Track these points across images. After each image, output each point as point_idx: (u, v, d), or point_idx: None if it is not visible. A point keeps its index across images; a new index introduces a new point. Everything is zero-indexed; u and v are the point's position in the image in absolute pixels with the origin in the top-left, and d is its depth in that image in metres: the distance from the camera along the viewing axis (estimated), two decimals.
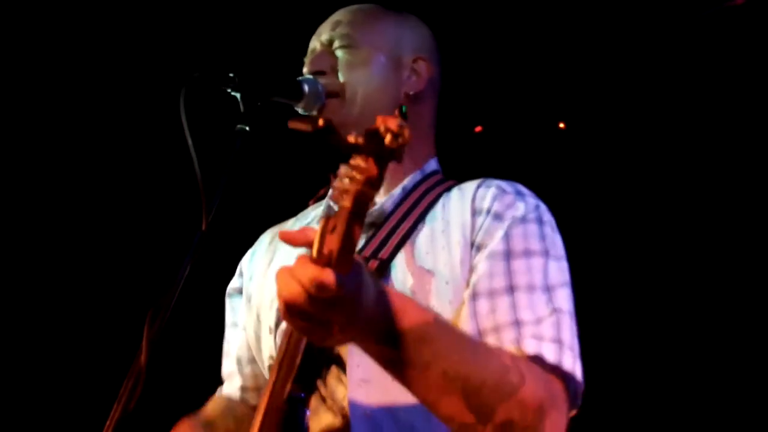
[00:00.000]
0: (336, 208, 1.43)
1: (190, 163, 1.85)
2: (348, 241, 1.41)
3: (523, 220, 1.99)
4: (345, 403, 1.95)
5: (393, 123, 1.34)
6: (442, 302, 1.93)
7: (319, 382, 1.95)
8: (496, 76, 3.88)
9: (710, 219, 3.75)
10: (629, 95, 3.83)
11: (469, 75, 3.70)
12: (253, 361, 2.26)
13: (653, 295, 3.82)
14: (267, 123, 1.99)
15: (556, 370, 1.82)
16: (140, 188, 4.02)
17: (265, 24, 3.83)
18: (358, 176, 1.37)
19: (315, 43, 2.28)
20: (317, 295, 1.47)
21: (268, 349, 2.13)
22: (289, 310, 1.52)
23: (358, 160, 1.37)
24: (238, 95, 1.97)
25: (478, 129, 3.97)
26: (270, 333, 2.13)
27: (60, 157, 3.99)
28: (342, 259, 1.43)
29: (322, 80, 2.18)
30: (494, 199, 2.03)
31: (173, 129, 1.91)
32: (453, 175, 2.27)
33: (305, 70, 2.25)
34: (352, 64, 2.20)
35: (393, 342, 1.60)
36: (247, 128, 1.94)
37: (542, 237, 1.99)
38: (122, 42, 3.88)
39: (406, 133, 1.34)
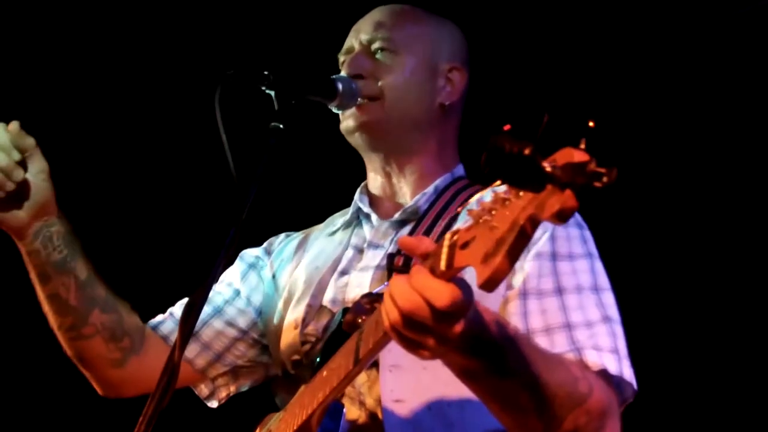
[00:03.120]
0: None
1: (225, 161, 1.85)
2: (509, 263, 1.33)
3: (565, 224, 2.01)
4: (363, 390, 1.97)
5: (594, 159, 1.24)
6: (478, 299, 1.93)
7: None
8: (524, 73, 3.86)
9: (742, 220, 3.71)
10: (661, 94, 3.79)
11: (497, 73, 3.68)
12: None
13: (680, 295, 3.78)
14: (301, 121, 2.00)
15: (616, 380, 1.87)
16: (175, 185, 4.04)
17: (299, 22, 3.83)
18: (540, 203, 1.28)
19: (353, 42, 2.28)
20: (444, 310, 1.43)
21: (293, 343, 2.15)
22: (406, 322, 1.47)
23: (549, 189, 1.26)
24: (272, 93, 1.98)
25: (507, 128, 3.95)
26: (296, 328, 2.16)
27: (96, 155, 4.02)
28: (494, 280, 1.34)
29: (359, 83, 2.19)
30: None
31: (209, 126, 1.92)
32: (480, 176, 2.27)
33: (343, 70, 2.25)
34: (391, 69, 2.21)
35: (479, 353, 1.58)
36: (282, 126, 1.95)
37: (584, 240, 2.04)
38: (159, 40, 3.91)
39: (614, 174, 1.24)
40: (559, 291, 1.94)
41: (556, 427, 1.72)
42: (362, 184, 2.34)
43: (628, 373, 1.89)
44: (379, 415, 1.94)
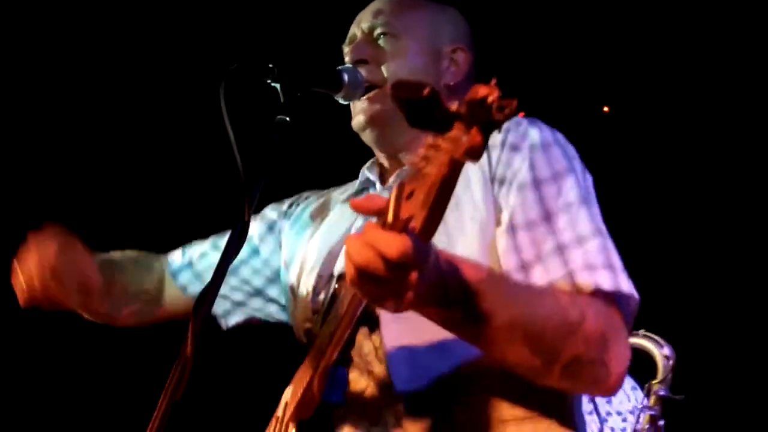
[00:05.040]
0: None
1: (231, 155, 1.85)
2: (438, 208, 1.38)
3: (544, 144, 1.98)
4: (370, 359, 1.96)
5: (497, 94, 1.27)
6: (466, 239, 1.93)
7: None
8: (538, 58, 3.85)
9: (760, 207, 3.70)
10: (675, 78, 3.79)
11: (510, 58, 3.68)
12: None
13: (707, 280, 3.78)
14: (307, 113, 2.00)
15: (614, 295, 1.84)
16: (181, 180, 4.05)
17: (303, 14, 3.83)
18: (456, 144, 1.31)
19: (355, 31, 2.29)
20: (395, 260, 1.45)
21: (305, 312, 2.16)
22: (362, 276, 1.50)
23: (456, 129, 1.31)
24: (277, 86, 1.98)
25: (521, 115, 3.95)
26: (307, 297, 2.16)
27: (102, 152, 4.03)
28: (428, 227, 1.39)
29: (363, 70, 2.19)
30: (507, 131, 2.01)
31: (214, 120, 1.92)
32: None
33: (347, 59, 2.26)
34: (393, 54, 2.21)
35: (451, 303, 1.62)
36: (287, 119, 1.94)
37: (567, 158, 1.98)
38: (163, 35, 3.91)
39: (514, 104, 1.27)
40: (548, 216, 1.90)
41: (555, 360, 1.72)
42: (371, 159, 2.34)
43: (626, 286, 1.85)
44: (386, 381, 1.93)
